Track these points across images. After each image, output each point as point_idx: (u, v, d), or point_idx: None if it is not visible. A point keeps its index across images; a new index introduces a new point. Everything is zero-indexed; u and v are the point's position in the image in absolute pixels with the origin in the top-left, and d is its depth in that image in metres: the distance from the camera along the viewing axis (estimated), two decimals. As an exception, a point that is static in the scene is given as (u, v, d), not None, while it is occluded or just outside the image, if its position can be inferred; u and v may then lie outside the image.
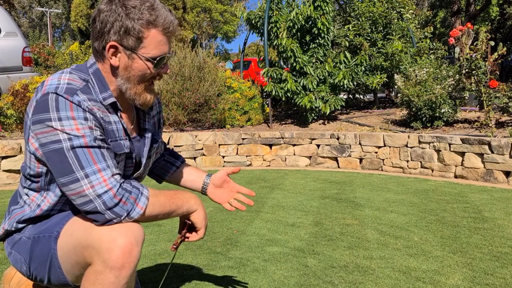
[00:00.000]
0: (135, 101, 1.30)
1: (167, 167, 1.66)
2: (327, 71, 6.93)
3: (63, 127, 1.15)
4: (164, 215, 1.27)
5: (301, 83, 6.89)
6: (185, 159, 1.73)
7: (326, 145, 5.97)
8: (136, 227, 1.18)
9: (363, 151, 5.79)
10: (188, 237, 1.42)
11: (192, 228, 1.40)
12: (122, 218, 1.16)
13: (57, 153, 1.16)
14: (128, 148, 1.32)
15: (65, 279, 1.24)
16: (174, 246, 1.37)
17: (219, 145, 6.22)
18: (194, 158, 6.14)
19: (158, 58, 1.26)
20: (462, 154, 5.08)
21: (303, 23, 6.81)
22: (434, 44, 7.80)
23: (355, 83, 7.35)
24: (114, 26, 1.22)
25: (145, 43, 1.24)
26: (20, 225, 1.32)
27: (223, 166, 6.16)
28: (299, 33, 7.03)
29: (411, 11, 7.97)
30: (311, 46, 7.01)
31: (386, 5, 7.58)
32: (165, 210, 1.26)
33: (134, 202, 1.18)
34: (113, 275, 1.12)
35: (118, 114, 1.30)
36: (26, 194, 1.33)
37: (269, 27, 6.98)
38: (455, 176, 5.13)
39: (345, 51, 7.20)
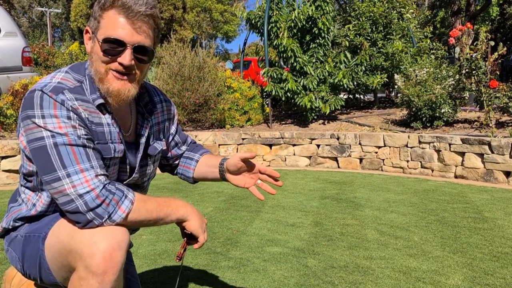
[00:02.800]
0: (102, 91, 1.24)
1: (187, 163, 1.59)
2: (327, 71, 6.93)
3: (45, 124, 1.15)
4: (150, 221, 1.24)
5: (301, 83, 6.88)
6: (208, 150, 1.65)
7: (326, 145, 5.97)
8: (120, 231, 1.15)
9: (363, 151, 5.78)
10: (191, 244, 1.38)
11: (192, 236, 1.36)
12: (103, 220, 1.14)
13: (40, 151, 1.15)
14: (120, 153, 1.29)
15: (54, 280, 1.24)
16: (178, 258, 1.34)
17: (219, 145, 6.22)
18: (194, 158, 6.13)
19: (106, 38, 1.19)
20: (462, 154, 5.08)
21: (304, 23, 6.81)
22: (434, 44, 7.80)
23: (355, 83, 7.35)
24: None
25: (101, 24, 1.21)
26: (17, 223, 1.33)
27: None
28: (299, 33, 7.03)
29: (411, 10, 7.97)
30: (311, 46, 7.01)
31: (386, 5, 7.58)
32: (151, 216, 1.23)
33: (116, 204, 1.15)
34: (96, 281, 1.10)
35: (110, 116, 1.28)
36: (23, 192, 1.34)
37: (269, 27, 6.98)
38: (455, 176, 5.13)
39: (345, 51, 7.20)
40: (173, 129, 1.56)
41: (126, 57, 1.21)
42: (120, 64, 1.21)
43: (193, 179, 1.60)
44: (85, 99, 1.23)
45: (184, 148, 1.61)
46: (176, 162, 1.61)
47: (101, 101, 1.25)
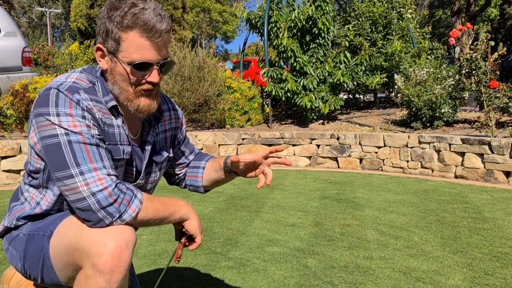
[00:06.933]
0: (129, 107, 1.27)
1: (194, 173, 1.57)
2: (327, 71, 6.93)
3: (60, 122, 1.16)
4: (156, 220, 1.25)
5: (301, 83, 6.88)
6: (213, 156, 1.62)
7: (326, 145, 5.97)
8: (127, 230, 1.16)
9: (363, 151, 5.78)
10: (187, 245, 1.39)
11: (190, 236, 1.37)
12: (114, 219, 1.15)
13: (54, 147, 1.16)
14: (127, 155, 1.31)
15: (57, 279, 1.23)
16: (178, 259, 1.34)
17: (219, 145, 6.21)
18: (194, 158, 6.13)
19: (136, 63, 1.20)
20: (462, 154, 5.08)
21: (304, 23, 6.81)
22: (433, 44, 7.79)
23: (355, 83, 7.35)
24: (100, 29, 1.23)
25: (123, 46, 1.20)
26: (20, 222, 1.32)
27: (223, 166, 6.15)
28: (299, 33, 7.03)
29: (410, 10, 7.97)
30: (311, 46, 7.01)
31: (386, 5, 7.58)
32: (158, 215, 1.24)
33: (127, 204, 1.17)
34: (103, 279, 1.10)
35: (121, 118, 1.29)
36: (27, 191, 1.34)
37: (269, 27, 6.98)
38: (455, 176, 5.13)
39: (345, 51, 7.21)
40: (180, 137, 1.55)
41: (155, 76, 1.24)
42: (149, 82, 1.24)
43: (204, 187, 1.58)
44: (98, 100, 1.24)
45: (191, 157, 1.60)
46: (183, 171, 1.59)
47: (114, 103, 1.26)
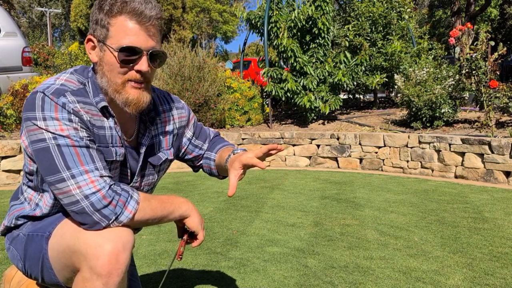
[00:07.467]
0: (117, 101, 1.22)
1: (208, 164, 1.56)
2: (327, 71, 6.93)
3: (47, 126, 1.14)
4: (155, 220, 1.23)
5: (301, 83, 6.89)
6: (224, 144, 1.55)
7: (326, 145, 5.97)
8: (125, 232, 1.15)
9: (363, 151, 5.78)
10: (189, 243, 1.38)
11: (192, 233, 1.36)
12: (110, 221, 1.13)
13: (43, 151, 1.15)
14: (121, 156, 1.28)
15: (57, 280, 1.23)
16: (180, 256, 1.33)
17: (219, 145, 6.21)
18: (194, 158, 6.13)
19: (123, 47, 1.16)
20: (462, 154, 5.08)
21: (304, 23, 6.82)
22: (432, 43, 7.80)
23: (355, 83, 7.36)
24: (91, 20, 1.23)
25: (112, 31, 1.18)
26: (19, 221, 1.32)
27: (223, 166, 6.15)
28: (299, 33, 7.03)
29: (408, 10, 7.97)
30: (311, 46, 7.01)
31: (385, 5, 7.59)
32: (156, 215, 1.22)
33: (123, 205, 1.15)
34: (101, 282, 1.09)
35: (113, 120, 1.26)
36: (26, 191, 1.34)
37: (269, 27, 6.98)
38: (455, 176, 5.13)
39: (345, 51, 7.21)
40: (189, 134, 1.52)
41: (144, 64, 1.19)
42: (138, 71, 1.20)
43: (222, 176, 1.57)
44: (87, 102, 1.21)
45: (205, 147, 1.56)
46: (201, 162, 1.58)
47: (104, 104, 1.24)
